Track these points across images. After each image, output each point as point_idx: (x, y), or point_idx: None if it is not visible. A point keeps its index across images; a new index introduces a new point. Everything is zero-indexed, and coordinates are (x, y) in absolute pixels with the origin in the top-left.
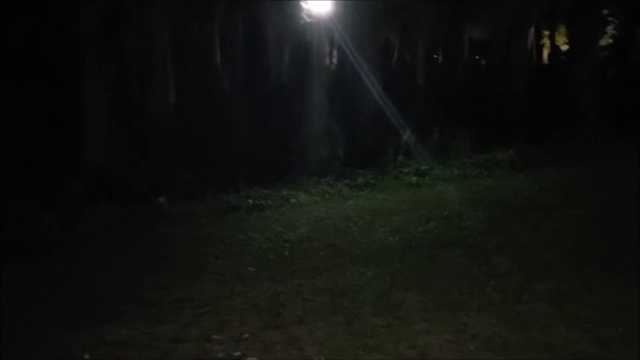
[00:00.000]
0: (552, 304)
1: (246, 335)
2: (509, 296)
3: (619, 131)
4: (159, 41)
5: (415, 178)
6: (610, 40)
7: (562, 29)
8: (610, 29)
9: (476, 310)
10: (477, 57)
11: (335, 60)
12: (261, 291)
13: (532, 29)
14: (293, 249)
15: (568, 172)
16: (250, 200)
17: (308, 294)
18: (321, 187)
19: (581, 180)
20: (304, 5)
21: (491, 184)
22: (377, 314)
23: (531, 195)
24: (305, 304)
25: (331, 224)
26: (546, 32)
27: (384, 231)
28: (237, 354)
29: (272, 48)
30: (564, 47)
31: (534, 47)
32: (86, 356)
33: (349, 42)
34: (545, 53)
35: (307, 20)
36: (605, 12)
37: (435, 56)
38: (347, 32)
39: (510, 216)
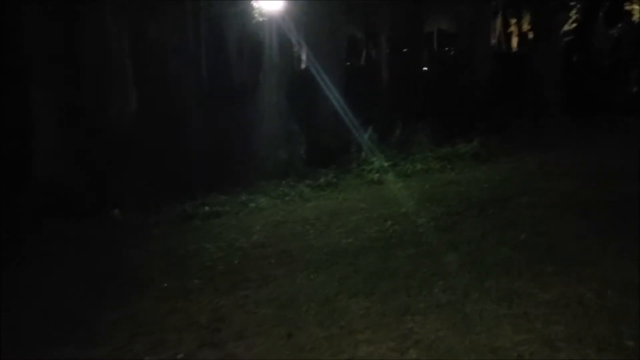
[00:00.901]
0: (501, 303)
1: (180, 356)
2: (457, 296)
3: (582, 117)
4: (116, 45)
5: (377, 175)
6: (575, 25)
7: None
8: (573, 14)
9: (423, 313)
10: (447, 48)
11: (295, 59)
12: (203, 306)
13: (500, 17)
14: (244, 257)
15: (529, 160)
16: (206, 208)
17: (252, 306)
18: (282, 189)
19: (540, 168)
20: (254, 4)
21: (453, 178)
22: (319, 324)
23: (490, 186)
24: (247, 317)
25: (288, 228)
26: (513, 20)
27: (339, 233)
28: None
29: (230, 49)
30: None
31: (502, 35)
32: None
33: (306, 40)
34: (515, 41)
35: (260, 19)
36: None
37: (401, 50)
38: (303, 31)
39: (468, 210)
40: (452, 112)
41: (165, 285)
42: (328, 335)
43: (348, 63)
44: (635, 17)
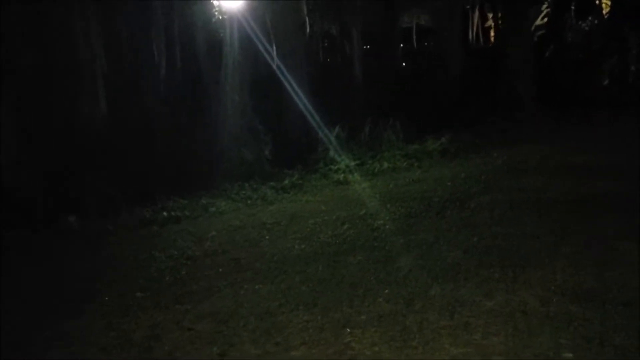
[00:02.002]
0: (443, 313)
1: None
2: (400, 306)
3: (555, 112)
4: (85, 47)
5: (342, 175)
6: (546, 19)
7: None
8: (544, 8)
9: (362, 326)
10: (425, 44)
11: (260, 57)
12: (140, 322)
13: (477, 12)
14: (193, 267)
15: (497, 156)
16: (165, 213)
17: (190, 322)
18: (244, 192)
19: (507, 164)
20: (214, 2)
21: (418, 176)
22: (255, 341)
23: (454, 185)
24: (182, 334)
25: (244, 234)
26: (490, 14)
27: (294, 238)
28: None
29: (195, 49)
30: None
31: (480, 30)
32: None
33: (271, 38)
34: (493, 36)
35: (220, 17)
36: None
37: (375, 45)
38: (267, 28)
39: (427, 211)
40: (425, 109)
41: (107, 299)
42: (262, 353)
43: (328, 60)
44: (605, 10)
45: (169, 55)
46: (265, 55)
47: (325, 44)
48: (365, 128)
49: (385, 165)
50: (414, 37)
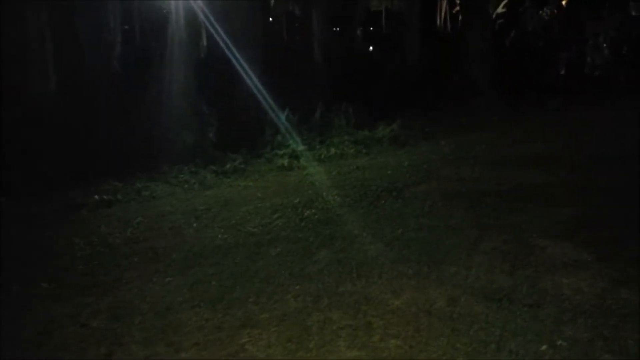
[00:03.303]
0: (347, 312)
1: None
2: (307, 304)
3: (511, 98)
4: (33, 20)
5: (287, 161)
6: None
7: None
8: None
9: (262, 326)
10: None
11: (209, 36)
12: (36, 316)
13: None
14: (109, 255)
15: (445, 144)
16: (96, 196)
17: (86, 317)
18: (183, 175)
19: (453, 152)
20: None
21: (364, 164)
22: (147, 340)
23: (394, 174)
24: (75, 331)
25: (171, 221)
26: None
27: (220, 227)
28: None
29: (140, 26)
30: None
31: (448, 16)
32: None
33: (220, 16)
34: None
35: None
36: None
37: (335, 28)
38: (216, 5)
39: (361, 200)
40: (381, 94)
41: (12, 290)
42: (150, 354)
43: (292, 41)
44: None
45: (124, 32)
46: (214, 34)
47: (292, 25)
48: (317, 112)
49: (333, 151)
50: (383, 21)
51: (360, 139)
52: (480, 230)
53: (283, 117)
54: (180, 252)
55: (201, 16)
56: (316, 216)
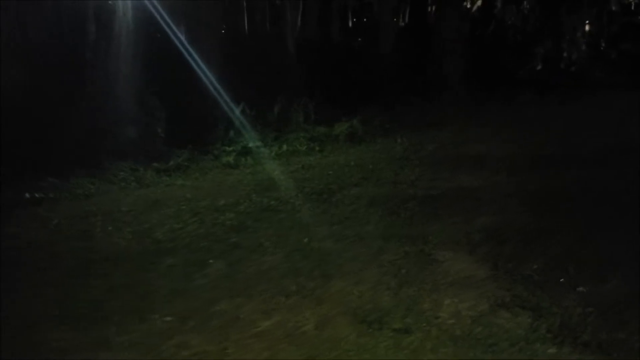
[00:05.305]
0: (210, 335)
1: None
2: (172, 325)
3: (482, 93)
4: None
5: (233, 158)
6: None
7: None
8: None
9: (116, 350)
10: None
11: (162, 27)
12: None
13: None
14: (8, 260)
15: (400, 142)
16: (27, 194)
17: None
18: (123, 173)
19: (404, 151)
20: None
21: (312, 162)
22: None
23: (335, 174)
24: None
25: (90, 223)
26: None
27: (131, 232)
28: None
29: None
30: None
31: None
32: None
33: (172, 6)
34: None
35: None
36: None
37: (309, 20)
38: None
39: (286, 203)
40: (350, 86)
41: None
42: None
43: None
44: None
45: (69, 21)
46: (165, 24)
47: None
48: (275, 107)
49: (285, 148)
50: (372, 11)
51: (316, 135)
52: (386, 241)
53: (237, 110)
54: (75, 259)
55: (150, 6)
56: (231, 222)
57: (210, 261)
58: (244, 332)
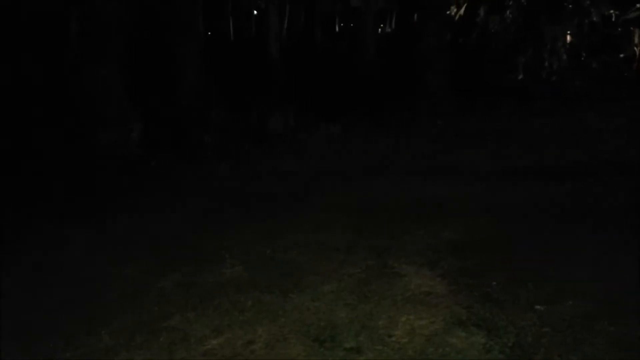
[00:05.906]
0: (156, 353)
1: None
2: (119, 342)
3: (462, 102)
4: None
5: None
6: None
7: None
8: None
9: None
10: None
11: (142, 31)
12: None
13: None
14: None
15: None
16: None
17: None
18: None
19: (379, 160)
20: None
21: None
22: None
23: (309, 181)
24: None
25: None
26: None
27: None
28: None
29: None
30: None
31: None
32: None
33: (153, 9)
34: None
35: None
36: None
37: (292, 25)
38: None
39: (257, 211)
40: (331, 93)
41: None
42: None
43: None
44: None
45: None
46: (143, 27)
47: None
48: (254, 112)
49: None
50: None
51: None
52: (349, 253)
53: (213, 116)
54: None
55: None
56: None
57: (170, 271)
58: (191, 350)
